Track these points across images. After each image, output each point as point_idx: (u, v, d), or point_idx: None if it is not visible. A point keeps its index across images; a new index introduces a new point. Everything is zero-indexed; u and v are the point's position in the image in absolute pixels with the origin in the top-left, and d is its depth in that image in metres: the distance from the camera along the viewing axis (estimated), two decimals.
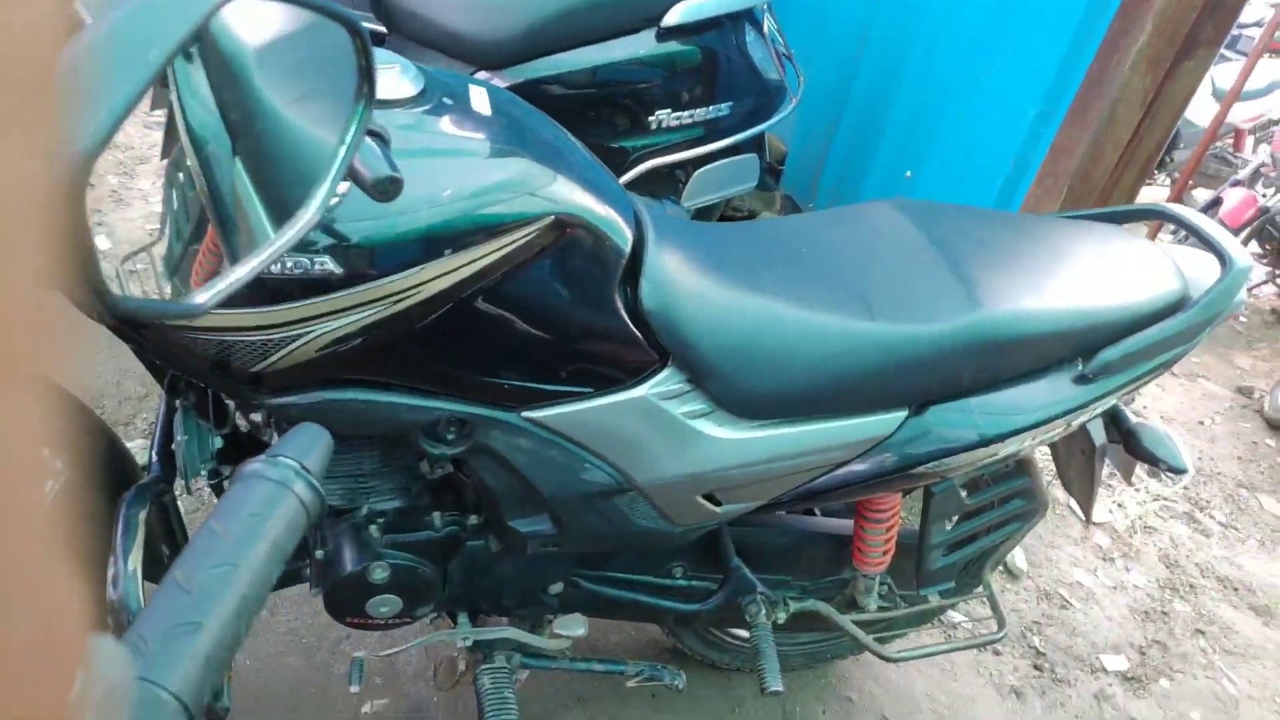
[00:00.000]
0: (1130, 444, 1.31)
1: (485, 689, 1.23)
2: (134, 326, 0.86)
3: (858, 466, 1.17)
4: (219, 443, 1.09)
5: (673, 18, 1.93)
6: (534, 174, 0.91)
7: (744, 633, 1.63)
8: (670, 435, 1.08)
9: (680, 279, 1.03)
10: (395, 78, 0.90)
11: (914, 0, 2.20)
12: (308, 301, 0.83)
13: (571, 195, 0.93)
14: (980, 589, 1.53)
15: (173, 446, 1.10)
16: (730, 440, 1.09)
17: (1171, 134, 1.74)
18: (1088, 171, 1.72)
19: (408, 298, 0.86)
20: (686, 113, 2.04)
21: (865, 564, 1.37)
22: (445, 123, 0.91)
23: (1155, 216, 1.44)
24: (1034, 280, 1.17)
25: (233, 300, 0.66)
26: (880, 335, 1.08)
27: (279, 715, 1.53)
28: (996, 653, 1.98)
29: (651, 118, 2.01)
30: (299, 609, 1.70)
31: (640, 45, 1.95)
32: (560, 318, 0.97)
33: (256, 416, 1.15)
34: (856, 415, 1.13)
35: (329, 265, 0.81)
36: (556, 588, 1.28)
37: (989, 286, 1.14)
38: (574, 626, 1.29)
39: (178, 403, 1.12)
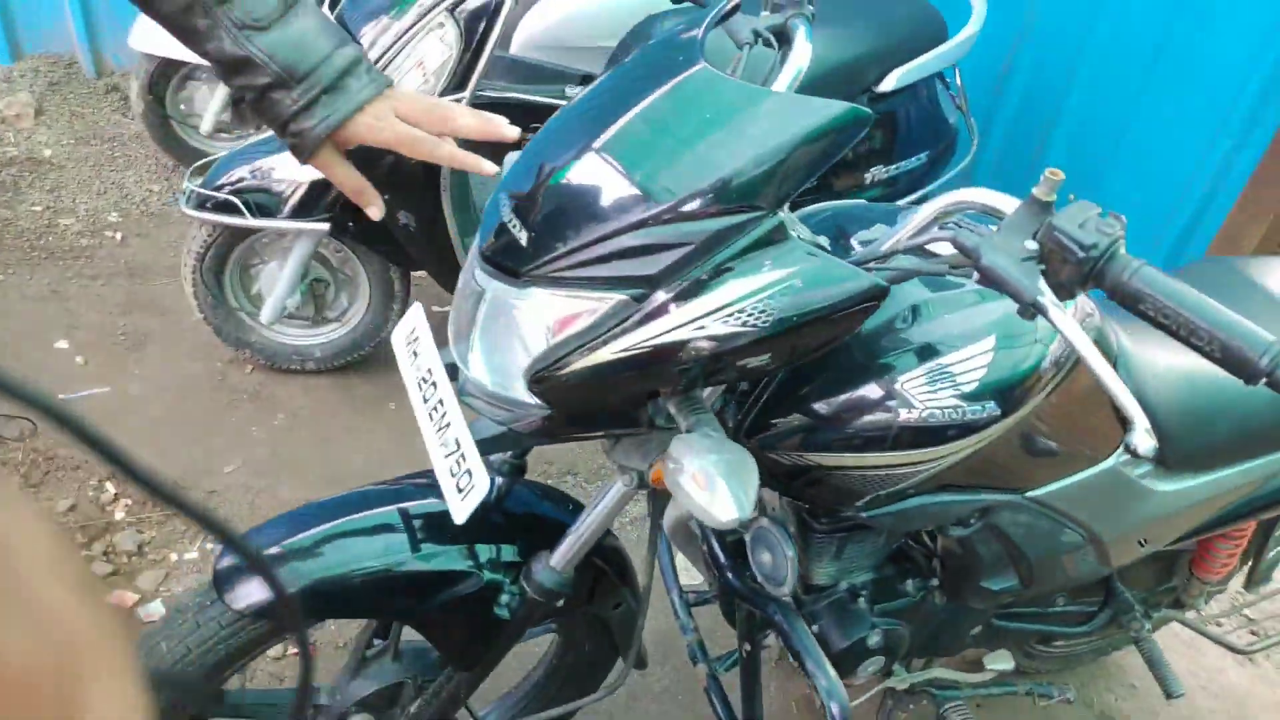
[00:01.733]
0: None
1: None
2: None
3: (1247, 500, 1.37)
4: None
5: (888, 84, 2.10)
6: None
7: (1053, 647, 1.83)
8: (1130, 495, 1.25)
9: (1143, 359, 1.21)
10: None
11: (1068, 29, 2.38)
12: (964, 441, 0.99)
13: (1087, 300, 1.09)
14: None
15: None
16: (1174, 492, 1.28)
17: None
18: None
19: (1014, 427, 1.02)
20: (894, 166, 2.21)
21: (1209, 573, 1.57)
22: None
23: None
24: None
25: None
26: None
27: None
28: (1219, 623, 2.21)
29: (867, 174, 2.18)
30: None
31: None
32: (1072, 410, 1.14)
33: None
34: (1260, 457, 1.32)
35: (991, 409, 0.97)
36: (977, 629, 1.46)
37: None
38: (1001, 661, 1.46)
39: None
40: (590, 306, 0.79)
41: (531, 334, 0.83)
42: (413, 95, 0.89)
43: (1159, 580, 1.65)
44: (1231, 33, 2.00)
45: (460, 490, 0.89)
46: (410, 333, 1.03)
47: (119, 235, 2.67)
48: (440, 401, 0.94)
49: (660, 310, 0.77)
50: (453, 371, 0.96)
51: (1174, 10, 2.12)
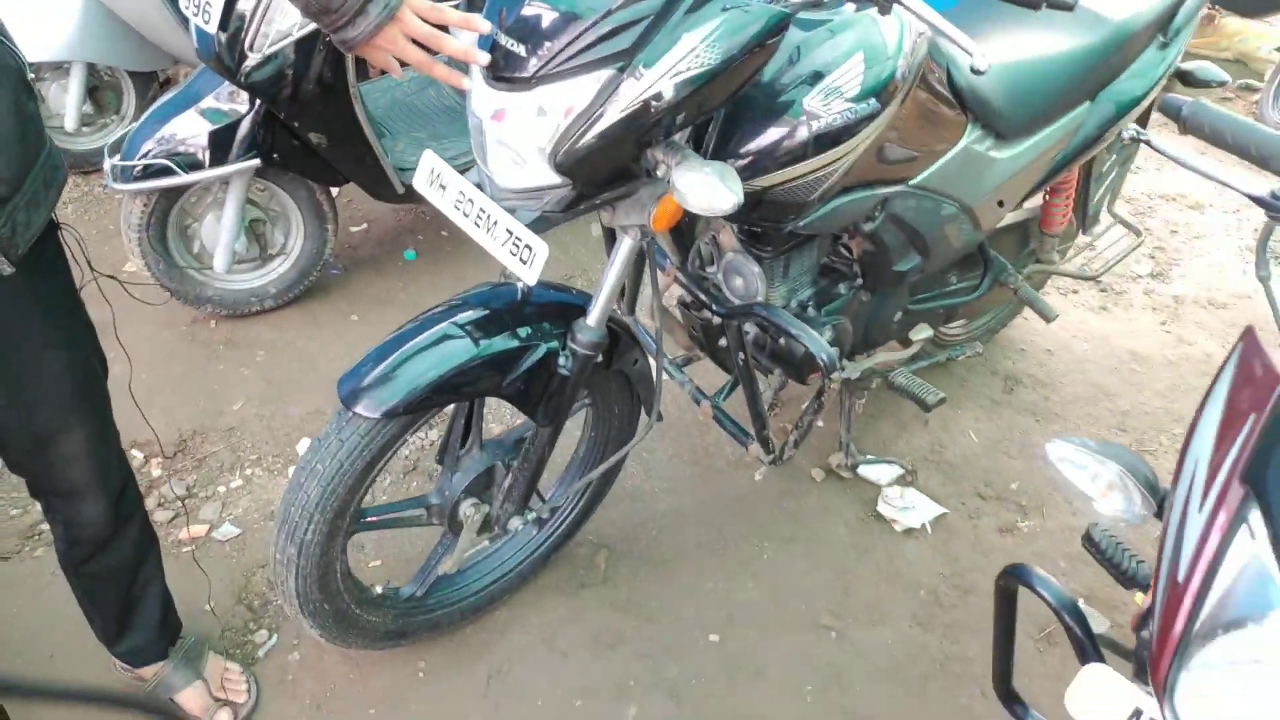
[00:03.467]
0: (1185, 78, 1.98)
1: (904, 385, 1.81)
2: None
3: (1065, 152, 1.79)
4: None
5: None
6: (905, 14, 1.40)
7: (957, 331, 2.27)
8: (979, 165, 1.64)
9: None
10: None
11: None
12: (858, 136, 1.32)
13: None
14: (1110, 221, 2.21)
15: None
16: (1010, 155, 1.67)
17: None
18: None
19: (890, 119, 1.37)
20: None
21: (1053, 227, 2.02)
22: None
23: None
24: None
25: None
26: (1074, 55, 1.68)
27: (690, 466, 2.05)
28: (1075, 291, 2.73)
29: None
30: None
31: None
32: (924, 106, 1.49)
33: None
34: (1068, 113, 1.73)
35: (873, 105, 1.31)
36: (898, 316, 1.85)
37: (1106, 6, 1.75)
38: (922, 332, 1.88)
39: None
40: (588, 86, 1.07)
41: (543, 125, 1.10)
42: (419, 23, 1.10)
43: (1020, 245, 2.09)
44: None
45: (525, 261, 1.18)
46: (430, 173, 1.28)
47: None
48: (481, 209, 1.22)
49: (639, 73, 1.06)
50: (479, 190, 1.23)
51: None
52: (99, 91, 2.91)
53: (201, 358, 2.37)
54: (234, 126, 2.11)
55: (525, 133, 1.12)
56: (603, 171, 1.15)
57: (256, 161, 2.12)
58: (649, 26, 1.05)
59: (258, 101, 2.08)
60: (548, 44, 1.07)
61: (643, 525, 1.99)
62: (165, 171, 2.06)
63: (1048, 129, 1.71)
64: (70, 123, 2.78)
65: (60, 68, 2.76)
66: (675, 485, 2.08)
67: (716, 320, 1.60)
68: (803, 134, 1.29)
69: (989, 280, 1.95)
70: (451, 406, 1.47)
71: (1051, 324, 2.17)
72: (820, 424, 2.03)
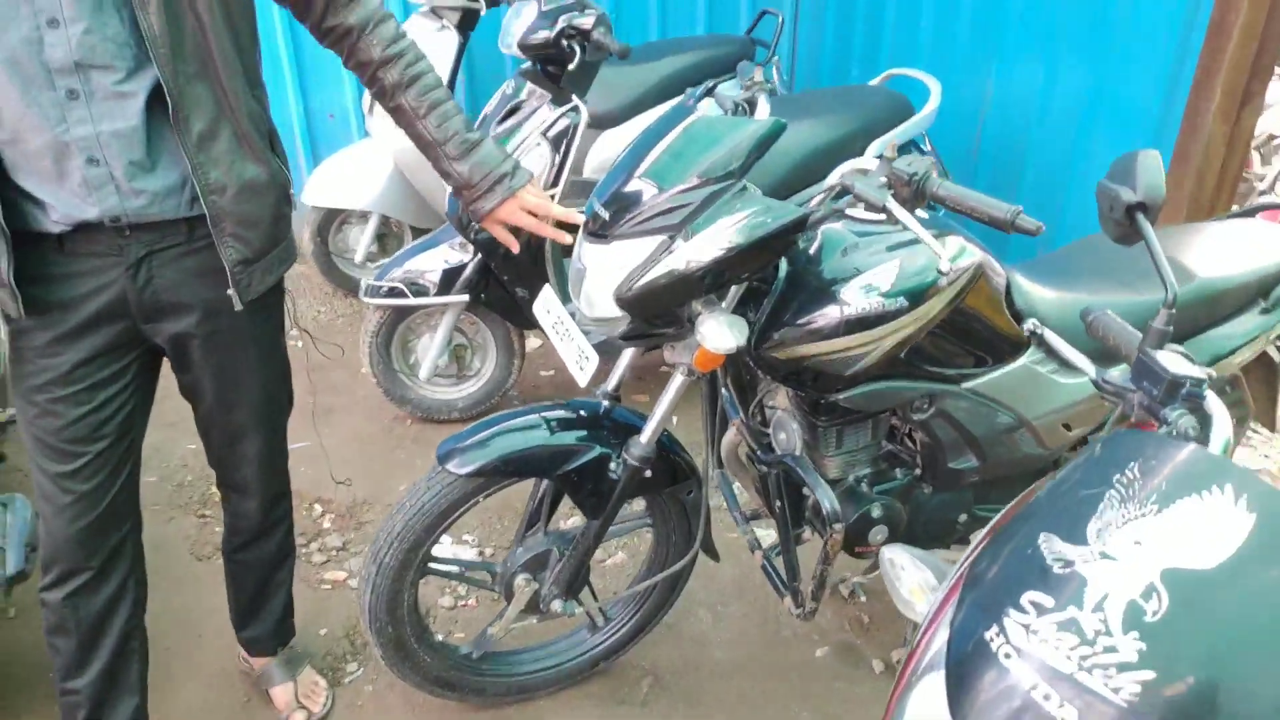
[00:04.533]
0: None
1: None
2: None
3: None
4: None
5: (868, 154, 2.76)
6: (965, 241, 1.65)
7: None
8: (1041, 386, 1.78)
9: (1032, 290, 1.77)
10: None
11: (1019, 96, 3.03)
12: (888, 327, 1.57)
13: (980, 250, 1.67)
14: None
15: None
16: (1075, 384, 1.80)
17: (1244, 161, 2.52)
18: (1196, 196, 2.49)
19: (924, 320, 1.60)
20: None
21: None
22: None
23: (1267, 208, 2.19)
24: (1222, 254, 1.91)
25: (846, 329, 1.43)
26: (1147, 300, 1.82)
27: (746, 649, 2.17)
28: None
29: None
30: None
31: None
32: (980, 321, 1.70)
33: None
34: None
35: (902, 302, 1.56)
36: (963, 518, 1.96)
37: (1199, 264, 1.88)
38: None
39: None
40: (646, 246, 1.43)
41: (616, 271, 1.47)
42: (533, 198, 1.60)
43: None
44: (1136, 82, 2.63)
45: (581, 368, 1.52)
46: (545, 302, 1.69)
47: (299, 344, 3.47)
48: (567, 329, 1.59)
49: (682, 242, 1.41)
50: (571, 317, 1.61)
51: (1096, 72, 2.76)
52: (386, 237, 3.71)
53: (390, 446, 2.88)
54: (459, 269, 2.69)
55: (603, 275, 1.49)
56: (652, 311, 1.49)
57: (466, 298, 2.67)
58: (695, 210, 1.41)
59: (479, 254, 2.66)
60: (625, 214, 1.45)
61: (695, 666, 2.14)
62: (399, 294, 2.66)
63: (1120, 367, 1.83)
64: (359, 257, 3.56)
65: (364, 215, 3.59)
66: (738, 639, 2.22)
67: (761, 469, 1.82)
68: (835, 314, 1.55)
69: None
70: (538, 486, 1.80)
71: None
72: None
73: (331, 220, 3.59)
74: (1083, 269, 1.93)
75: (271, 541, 1.83)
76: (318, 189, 3.37)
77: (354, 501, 2.65)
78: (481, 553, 2.47)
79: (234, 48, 1.38)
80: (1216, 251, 1.93)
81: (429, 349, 2.82)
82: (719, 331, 1.41)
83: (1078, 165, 2.87)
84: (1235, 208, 5.28)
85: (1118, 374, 1.22)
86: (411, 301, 2.67)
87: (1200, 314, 1.88)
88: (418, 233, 3.69)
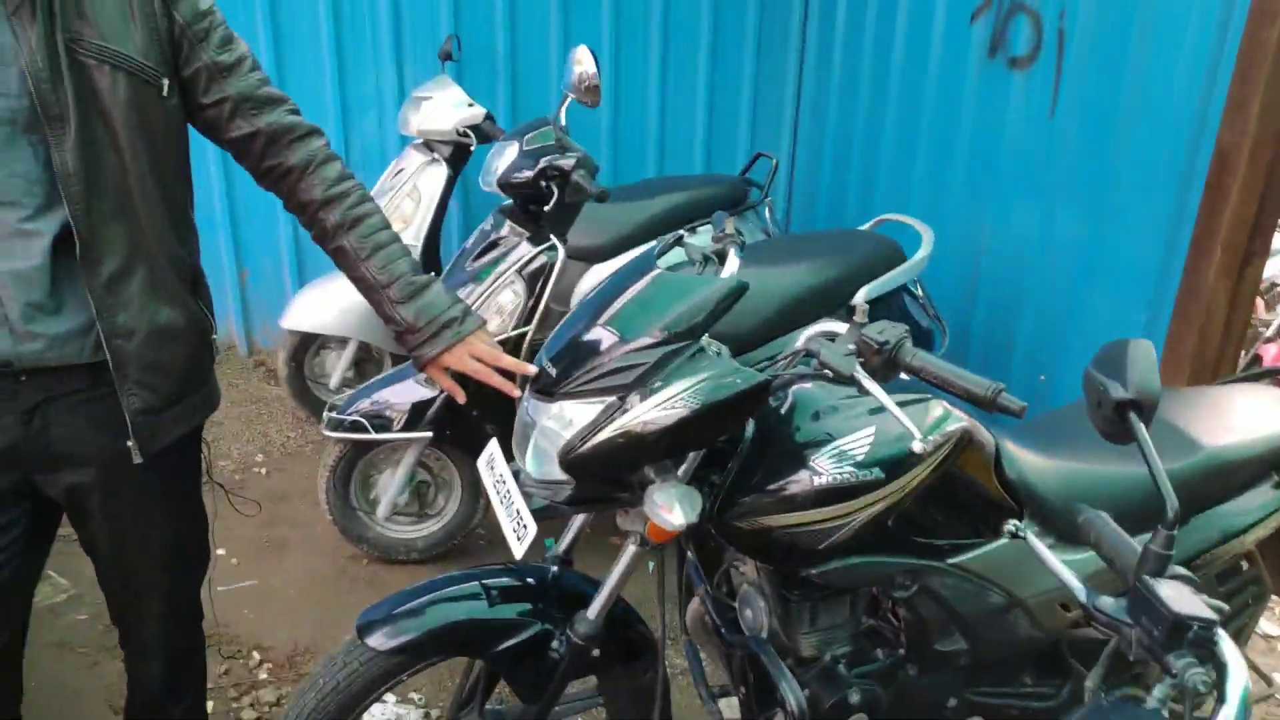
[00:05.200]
0: None
1: None
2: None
3: None
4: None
5: (859, 298, 2.67)
6: (949, 407, 1.53)
7: None
8: (1034, 563, 1.61)
9: (1023, 458, 1.63)
10: None
11: (1014, 241, 2.97)
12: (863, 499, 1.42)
13: (965, 416, 1.54)
14: None
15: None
16: (1072, 561, 1.63)
17: (1248, 317, 2.41)
18: (1199, 353, 2.37)
19: (902, 492, 1.45)
20: None
21: None
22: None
23: (1274, 373, 2.06)
24: (1231, 422, 1.77)
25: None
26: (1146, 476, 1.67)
27: None
28: None
29: None
30: None
31: (842, 320, 2.69)
32: (968, 492, 1.55)
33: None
34: (1145, 531, 1.68)
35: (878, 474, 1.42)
36: (953, 702, 1.76)
37: (1206, 433, 1.74)
38: None
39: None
40: (594, 408, 1.30)
41: (562, 430, 1.34)
42: (483, 345, 1.49)
43: (1121, 661, 1.92)
44: (1135, 235, 2.56)
45: (519, 538, 1.37)
46: (489, 457, 1.55)
47: (264, 470, 3.33)
48: (508, 490, 1.44)
49: (633, 405, 1.28)
50: (515, 475, 1.47)
51: (1093, 222, 2.70)
52: (365, 364, 3.61)
53: (342, 589, 2.69)
54: (429, 404, 2.57)
55: (548, 435, 1.36)
56: (598, 477, 1.34)
57: (429, 435, 2.53)
58: (649, 370, 1.28)
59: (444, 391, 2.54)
60: (573, 370, 1.33)
61: None
62: (360, 428, 2.53)
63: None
64: (334, 383, 3.45)
65: (342, 341, 3.50)
66: None
67: (724, 648, 1.64)
68: (806, 485, 1.41)
69: (1068, 692, 1.81)
70: (472, 661, 1.61)
71: None
72: None
73: (309, 344, 3.50)
74: (1079, 433, 1.78)
75: (177, 711, 1.63)
76: (297, 312, 3.29)
77: (295, 650, 2.45)
78: (427, 715, 2.24)
79: (157, 186, 1.30)
80: (1225, 419, 1.79)
81: (389, 486, 2.66)
82: (669, 506, 1.27)
83: (1076, 315, 2.77)
84: (1242, 359, 5.20)
85: (1113, 603, 1.07)
86: (373, 437, 2.53)
87: (1210, 488, 1.72)
88: (398, 360, 3.59)
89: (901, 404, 1.45)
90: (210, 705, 2.23)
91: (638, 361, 1.29)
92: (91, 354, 1.28)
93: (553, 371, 1.36)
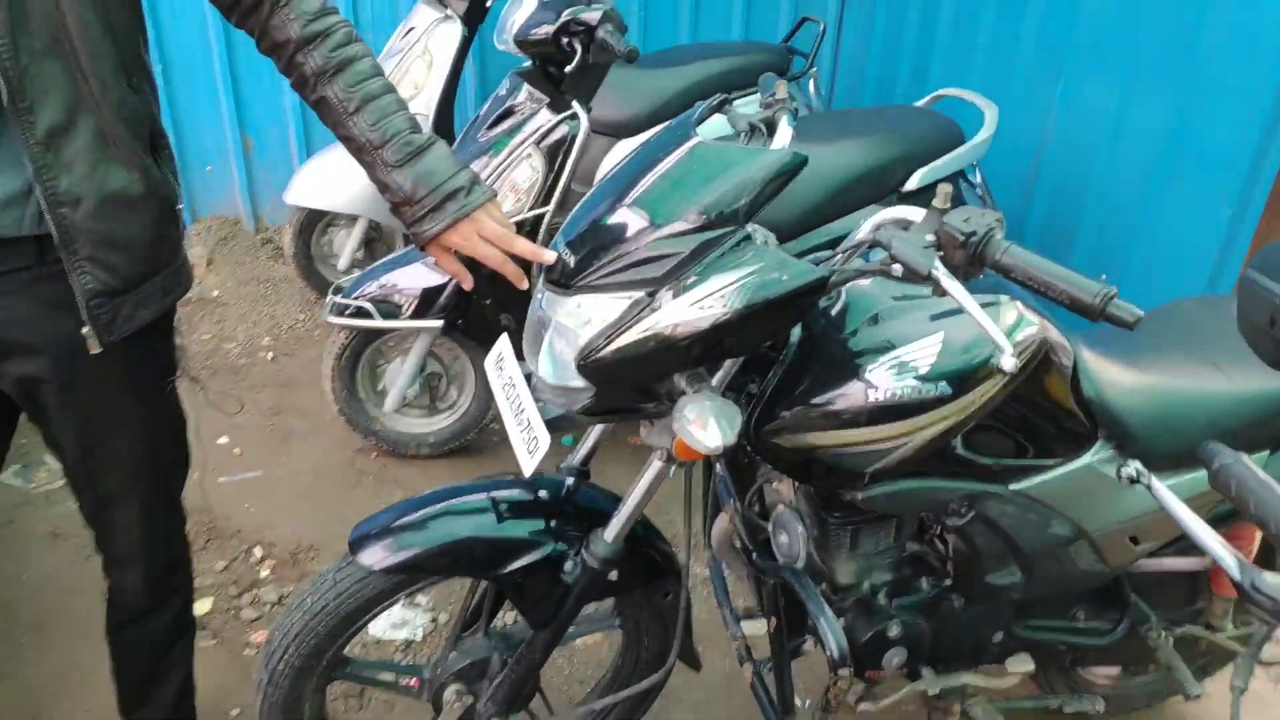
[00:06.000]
0: None
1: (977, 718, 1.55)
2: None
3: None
4: None
5: (913, 184, 2.41)
6: (1024, 309, 1.31)
7: (1103, 676, 1.92)
8: (1106, 490, 1.44)
9: (1102, 372, 1.43)
10: None
11: (1082, 131, 2.67)
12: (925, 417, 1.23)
13: (1041, 319, 1.33)
14: None
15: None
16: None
17: None
18: None
19: (970, 410, 1.26)
20: None
21: (1224, 588, 1.69)
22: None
23: None
24: None
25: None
26: (1249, 396, 1.46)
27: None
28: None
29: None
30: None
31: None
32: (1039, 410, 1.36)
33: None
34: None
35: (944, 388, 1.22)
36: (999, 636, 1.61)
37: None
38: (1023, 664, 1.61)
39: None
40: (618, 304, 1.10)
41: (580, 329, 1.14)
42: (494, 223, 1.26)
43: (1186, 598, 1.76)
44: (1225, 120, 2.26)
45: (530, 451, 1.19)
46: (498, 355, 1.36)
47: (270, 355, 3.18)
48: (518, 396, 1.26)
49: (664, 302, 1.08)
50: (528, 378, 1.28)
51: (1173, 111, 2.40)
52: (375, 243, 3.41)
53: (350, 482, 2.57)
54: (439, 290, 2.37)
55: (564, 334, 1.17)
56: (622, 385, 1.16)
57: (440, 324, 2.35)
58: (683, 261, 1.08)
59: None
60: (596, 259, 1.13)
61: None
62: (366, 314, 2.34)
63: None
64: (343, 263, 3.26)
65: (351, 218, 3.28)
66: None
67: (754, 572, 1.49)
68: (859, 400, 1.22)
69: (1124, 628, 1.66)
70: (477, 580, 1.47)
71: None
72: None
73: (316, 221, 3.29)
74: (1163, 344, 1.57)
75: (160, 621, 1.52)
76: (301, 188, 3.06)
77: (299, 546, 2.34)
78: (435, 620, 2.14)
79: (101, 24, 1.07)
80: None
81: (398, 376, 2.50)
82: (702, 423, 1.08)
83: (1148, 214, 2.50)
84: None
85: (1274, 579, 0.88)
86: (380, 324, 2.35)
87: None
88: (409, 240, 3.39)
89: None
90: (209, 602, 2.15)
91: (671, 250, 1.08)
92: (33, 225, 1.09)
93: (571, 259, 1.15)
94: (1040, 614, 1.65)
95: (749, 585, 1.65)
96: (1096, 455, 1.42)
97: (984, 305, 1.25)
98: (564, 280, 1.16)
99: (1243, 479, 0.89)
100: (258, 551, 2.32)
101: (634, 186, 1.17)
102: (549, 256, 1.19)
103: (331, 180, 3.05)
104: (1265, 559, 1.72)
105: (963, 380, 1.23)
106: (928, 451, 1.27)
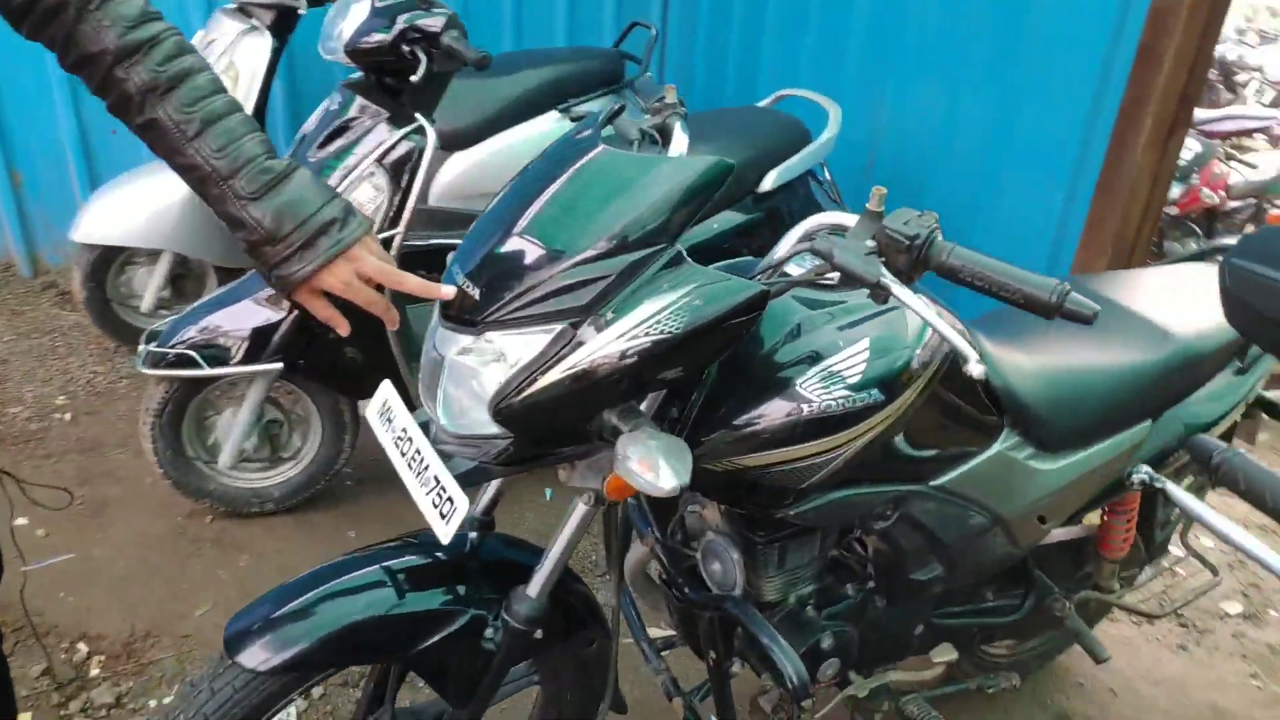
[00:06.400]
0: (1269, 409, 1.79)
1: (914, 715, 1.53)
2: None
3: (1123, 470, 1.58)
4: None
5: (767, 184, 2.40)
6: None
7: (1004, 648, 1.97)
8: (1016, 475, 1.45)
9: (1003, 359, 1.43)
10: None
11: (915, 125, 2.76)
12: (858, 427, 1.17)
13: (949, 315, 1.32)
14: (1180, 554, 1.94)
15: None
16: (1056, 469, 1.48)
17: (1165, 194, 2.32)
18: (1121, 232, 2.27)
19: (899, 414, 1.22)
20: None
21: (1112, 551, 1.76)
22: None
23: (1212, 253, 1.96)
24: (1195, 311, 1.64)
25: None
26: (1130, 369, 1.52)
27: None
28: (1151, 623, 2.38)
29: None
30: None
31: (745, 210, 2.42)
32: (953, 404, 1.34)
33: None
34: (1124, 430, 1.54)
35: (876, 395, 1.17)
36: (919, 629, 1.60)
37: (1173, 322, 1.60)
38: (946, 652, 1.61)
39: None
40: (538, 339, 0.97)
41: (491, 371, 1.00)
42: (374, 259, 1.07)
43: (1074, 566, 1.83)
44: (1052, 108, 2.39)
45: (444, 516, 1.04)
46: (383, 404, 1.19)
47: (68, 415, 2.77)
48: (417, 451, 1.10)
49: (592, 333, 0.96)
50: (424, 429, 1.12)
51: (1001, 103, 2.52)
52: (182, 280, 3.05)
53: (184, 553, 2.26)
54: (274, 328, 2.12)
55: (470, 378, 1.02)
56: (546, 429, 1.03)
57: (278, 366, 2.10)
58: (610, 286, 0.96)
59: (296, 309, 2.10)
60: (503, 291, 0.99)
61: None
62: (189, 363, 2.06)
63: (1099, 444, 1.53)
64: (147, 304, 2.89)
65: (153, 254, 2.92)
66: None
67: (683, 605, 1.39)
68: (793, 416, 1.15)
69: (1031, 603, 1.69)
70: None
71: (1118, 660, 1.87)
72: None
73: (111, 260, 2.90)
74: (1038, 326, 1.61)
75: None
76: (91, 223, 2.68)
77: (132, 635, 2.03)
78: (308, 694, 1.91)
79: None
80: (1189, 307, 1.66)
81: (232, 429, 2.22)
82: (652, 468, 0.97)
83: (985, 202, 2.62)
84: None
85: None
86: (208, 372, 2.08)
87: (1180, 381, 1.60)
88: (224, 274, 3.05)
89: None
90: (28, 718, 1.82)
91: (594, 275, 0.96)
92: None
93: (475, 292, 1.01)
94: (954, 601, 1.65)
95: (670, 617, 1.55)
96: (1005, 443, 1.43)
97: (884, 312, 1.22)
98: (469, 317, 1.01)
99: (1249, 473, 0.87)
100: (82, 647, 1.98)
101: (538, 205, 1.05)
102: (447, 292, 1.04)
103: (128, 212, 2.69)
104: (1144, 524, 1.80)
105: (891, 385, 1.19)
106: (859, 461, 1.22)
